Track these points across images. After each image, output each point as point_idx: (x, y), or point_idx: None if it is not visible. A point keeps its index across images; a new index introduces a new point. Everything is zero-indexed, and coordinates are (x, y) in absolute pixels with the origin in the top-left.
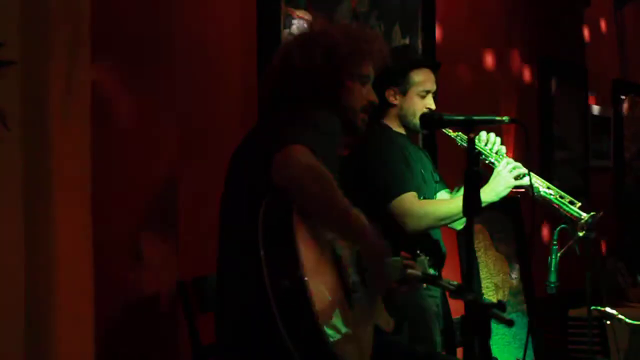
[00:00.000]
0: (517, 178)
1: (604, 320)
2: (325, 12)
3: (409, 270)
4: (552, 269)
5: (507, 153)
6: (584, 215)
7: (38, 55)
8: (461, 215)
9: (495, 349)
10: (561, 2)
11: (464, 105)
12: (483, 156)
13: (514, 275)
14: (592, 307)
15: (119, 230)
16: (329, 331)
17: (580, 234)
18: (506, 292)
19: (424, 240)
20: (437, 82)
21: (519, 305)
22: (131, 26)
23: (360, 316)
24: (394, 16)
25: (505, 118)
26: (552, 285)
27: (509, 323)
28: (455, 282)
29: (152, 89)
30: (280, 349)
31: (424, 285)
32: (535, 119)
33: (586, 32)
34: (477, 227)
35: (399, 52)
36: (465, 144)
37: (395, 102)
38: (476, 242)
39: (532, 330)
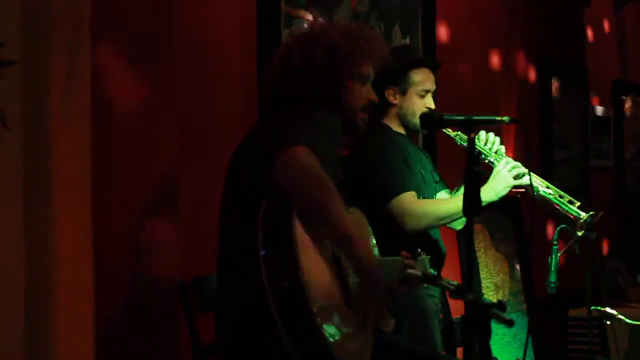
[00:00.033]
0: (516, 177)
1: (604, 321)
2: (325, 12)
3: (409, 270)
4: (552, 269)
5: (507, 153)
6: (583, 215)
7: (38, 55)
8: (461, 214)
9: (495, 349)
10: (561, 2)
11: (464, 105)
12: (482, 155)
13: (517, 276)
14: (592, 307)
15: (119, 230)
16: (329, 331)
17: (580, 233)
18: (506, 292)
19: (423, 239)
20: (437, 82)
21: (519, 305)
22: (131, 26)
23: (360, 316)
24: (394, 16)
25: (505, 118)
26: (552, 285)
27: (509, 323)
28: (455, 282)
29: (152, 89)
30: (280, 349)
31: (424, 285)
32: (535, 119)
33: (586, 33)
34: (477, 227)
35: (398, 51)
36: (465, 144)
37: (395, 101)
38: (476, 242)
39: (532, 330)
